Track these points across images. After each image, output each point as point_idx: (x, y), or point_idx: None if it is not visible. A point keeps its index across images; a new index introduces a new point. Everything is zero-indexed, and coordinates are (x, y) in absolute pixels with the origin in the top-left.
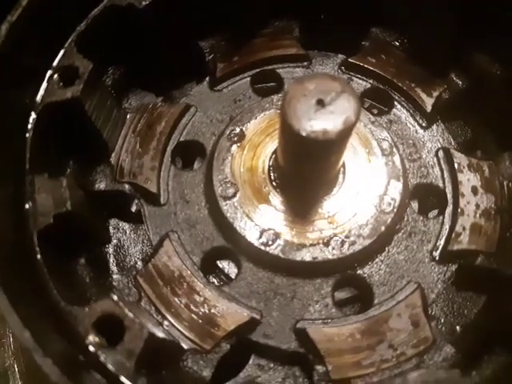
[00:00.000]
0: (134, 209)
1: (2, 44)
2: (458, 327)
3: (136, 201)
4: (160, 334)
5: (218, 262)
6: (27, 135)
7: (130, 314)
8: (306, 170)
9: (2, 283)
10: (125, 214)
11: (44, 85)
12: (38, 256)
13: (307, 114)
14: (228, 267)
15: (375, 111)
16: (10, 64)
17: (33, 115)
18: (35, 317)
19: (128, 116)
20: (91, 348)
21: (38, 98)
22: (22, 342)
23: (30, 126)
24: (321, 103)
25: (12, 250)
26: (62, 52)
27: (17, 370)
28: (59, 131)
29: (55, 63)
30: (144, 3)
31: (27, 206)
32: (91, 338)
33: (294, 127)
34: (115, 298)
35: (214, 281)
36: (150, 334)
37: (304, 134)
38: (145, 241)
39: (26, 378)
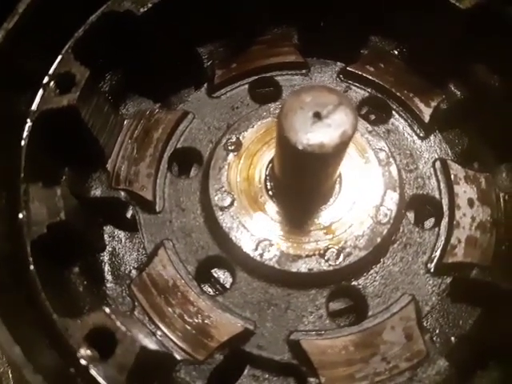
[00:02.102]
0: (129, 216)
1: None
2: (452, 338)
3: (131, 208)
4: (152, 346)
5: (212, 271)
6: (22, 143)
7: (122, 327)
8: (302, 182)
9: None
10: (120, 221)
11: (40, 92)
12: (31, 267)
13: (304, 127)
14: (223, 276)
15: (373, 117)
16: (5, 71)
17: (28, 123)
18: (26, 329)
19: (125, 122)
20: (83, 361)
21: (34, 105)
22: (12, 357)
23: (25, 134)
24: (317, 116)
25: (3, 261)
26: (58, 59)
27: (11, 376)
28: (55, 138)
29: (52, 70)
30: (142, 10)
31: (21, 215)
32: (83, 351)
33: (291, 140)
34: (107, 310)
35: (209, 290)
36: (142, 347)
37: (300, 147)
38: (140, 249)
39: None
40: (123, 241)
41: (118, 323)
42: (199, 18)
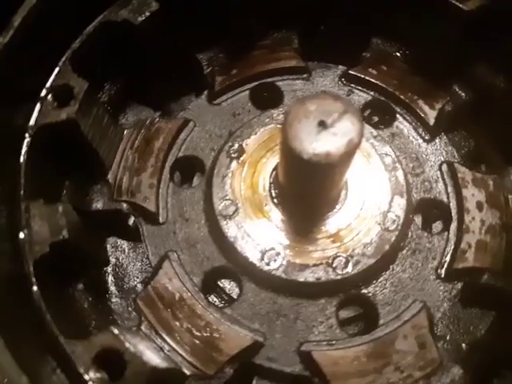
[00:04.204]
0: (132, 226)
1: None
2: (463, 345)
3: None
4: (162, 365)
5: (219, 282)
6: (21, 159)
7: (131, 348)
8: (307, 190)
9: None
10: (123, 232)
11: (38, 106)
12: (35, 288)
13: (309, 137)
14: (229, 286)
15: (376, 118)
16: (2, 86)
17: (27, 138)
18: (31, 354)
19: (125, 132)
20: None
21: (32, 120)
22: None
23: (24, 150)
24: (323, 125)
25: (5, 283)
26: (56, 71)
27: None
28: (54, 152)
29: (49, 83)
30: (140, 19)
31: (22, 234)
32: (91, 374)
33: (296, 150)
34: (115, 330)
35: (216, 300)
36: (152, 368)
37: (306, 157)
38: (144, 259)
39: None
40: (126, 251)
41: (127, 344)
42: (198, 25)
